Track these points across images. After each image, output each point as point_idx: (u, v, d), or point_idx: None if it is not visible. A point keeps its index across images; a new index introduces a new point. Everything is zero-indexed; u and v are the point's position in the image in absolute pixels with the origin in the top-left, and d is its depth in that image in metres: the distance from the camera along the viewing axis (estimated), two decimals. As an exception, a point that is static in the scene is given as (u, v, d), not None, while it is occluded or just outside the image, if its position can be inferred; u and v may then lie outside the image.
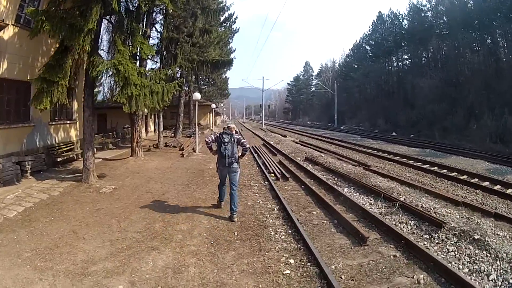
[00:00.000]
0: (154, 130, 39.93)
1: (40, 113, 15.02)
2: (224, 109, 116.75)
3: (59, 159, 16.24)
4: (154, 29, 22.42)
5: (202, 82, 50.15)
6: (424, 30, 55.63)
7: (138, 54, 16.96)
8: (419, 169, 17.25)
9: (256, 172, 16.18)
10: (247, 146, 9.33)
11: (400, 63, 68.45)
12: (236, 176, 9.04)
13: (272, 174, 15.14)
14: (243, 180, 13.89)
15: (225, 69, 36.87)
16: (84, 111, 13.61)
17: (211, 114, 52.42)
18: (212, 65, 25.15)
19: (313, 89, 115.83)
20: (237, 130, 11.69)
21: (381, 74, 71.28)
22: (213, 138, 9.00)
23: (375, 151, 24.45)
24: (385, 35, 70.33)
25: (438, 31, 54.82)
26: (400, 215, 9.11)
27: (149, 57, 20.28)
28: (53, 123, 17.29)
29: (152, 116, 39.12)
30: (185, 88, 34.58)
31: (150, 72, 13.67)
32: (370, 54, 77.70)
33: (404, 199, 10.06)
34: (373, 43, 76.29)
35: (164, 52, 22.12)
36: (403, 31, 65.24)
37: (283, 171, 15.58)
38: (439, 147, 27.55)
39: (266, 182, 13.67)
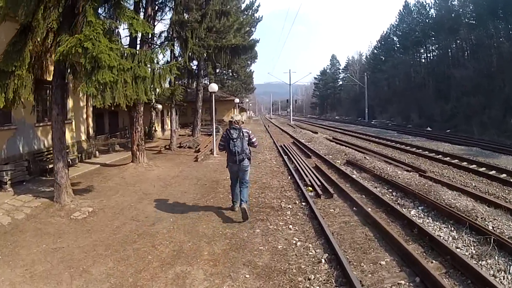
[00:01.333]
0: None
1: (23, 113, 12.20)
2: (250, 104, 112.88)
3: (49, 166, 13.11)
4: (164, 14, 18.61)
5: (225, 77, 46.37)
6: (452, 19, 52.15)
7: (136, 36, 13.16)
8: (481, 174, 13.46)
9: (288, 184, 11.96)
10: (256, 144, 8.59)
11: (429, 54, 64.15)
12: (246, 175, 8.38)
13: (310, 188, 10.98)
14: (271, 199, 9.96)
15: (247, 55, 32.51)
16: (52, 109, 9.89)
17: (235, 109, 48.21)
18: (231, 51, 21.34)
19: (340, 83, 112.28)
20: (242, 120, 9.56)
21: (410, 66, 67.04)
22: (222, 139, 8.44)
23: (421, 150, 20.28)
24: (412, 26, 65.96)
25: (465, 20, 50.85)
26: (497, 257, 5.83)
27: (155, 42, 16.53)
28: (41, 124, 14.15)
29: (171, 112, 35.44)
30: (205, 82, 30.70)
31: (137, 52, 9.53)
32: (398, 45, 72.93)
33: (494, 228, 6.95)
34: (400, 33, 71.57)
35: (175, 39, 18.15)
36: (430, 21, 60.86)
37: (323, 182, 11.41)
38: (484, 145, 23.55)
39: (303, 202, 9.57)
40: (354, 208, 8.92)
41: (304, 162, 15.57)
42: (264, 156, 18.32)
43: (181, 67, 28.05)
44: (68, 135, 15.77)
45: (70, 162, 14.62)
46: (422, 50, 65.27)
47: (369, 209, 8.49)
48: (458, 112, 42.60)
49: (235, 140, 7.92)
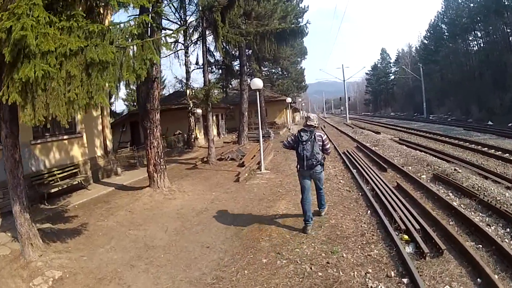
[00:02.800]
0: (218, 133, 32.49)
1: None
2: (303, 104, 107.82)
3: (52, 190, 10.71)
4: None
5: (275, 76, 42.06)
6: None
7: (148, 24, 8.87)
8: None
9: (369, 226, 7.09)
10: (330, 151, 7.61)
11: (480, 40, 55.98)
12: (321, 182, 7.45)
13: (406, 236, 6.26)
14: (348, 268, 5.29)
15: (296, 41, 27.72)
16: (0, 129, 6.26)
17: (287, 110, 43.72)
18: (276, 37, 16.93)
19: (392, 77, 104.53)
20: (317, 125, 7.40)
21: (462, 55, 59.52)
22: (292, 138, 7.28)
23: (508, 155, 15.21)
24: (459, 11, 58.31)
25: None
26: None
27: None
28: (39, 141, 11.31)
29: (215, 117, 31.58)
30: (248, 80, 26.55)
31: (108, 28, 5.25)
32: (447, 33, 65.12)
33: None
34: (448, 21, 63.63)
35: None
36: (475, 4, 53.23)
37: (421, 221, 6.72)
38: None
39: (400, 269, 5.16)
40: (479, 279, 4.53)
41: (381, 179, 10.99)
42: (328, 170, 13.41)
43: (219, 64, 24.54)
44: (77, 152, 12.82)
45: (81, 183, 11.95)
46: (471, 38, 58.10)
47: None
48: None
49: (304, 143, 6.96)
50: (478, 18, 52.05)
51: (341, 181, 11.61)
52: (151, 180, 11.06)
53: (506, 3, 44.53)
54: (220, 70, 24.25)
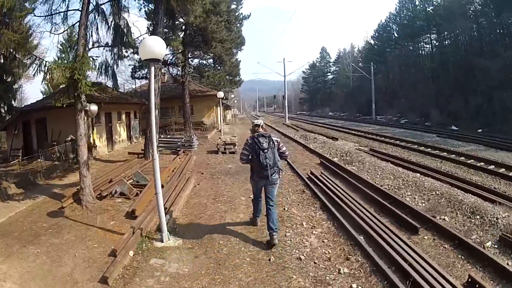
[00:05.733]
0: (129, 138, 24.89)
1: None
2: (235, 101, 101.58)
3: None
4: None
5: (206, 68, 34.83)
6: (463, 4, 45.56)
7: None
8: None
9: None
10: (287, 153, 7.13)
11: (437, 42, 55.67)
12: (275, 190, 6.76)
13: None
14: None
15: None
16: None
17: (217, 108, 36.26)
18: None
19: (331, 76, 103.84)
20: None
21: (415, 56, 59.62)
22: (248, 148, 6.61)
23: None
24: (415, 12, 58.95)
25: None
26: None
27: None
28: None
29: (124, 116, 23.99)
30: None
31: None
32: (397, 35, 65.82)
33: None
34: (401, 22, 63.83)
35: None
36: (434, 7, 53.98)
37: None
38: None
39: None
40: None
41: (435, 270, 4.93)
42: (302, 232, 7.23)
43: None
44: None
45: None
46: (426, 40, 58.03)
47: None
48: (488, 108, 35.00)
49: (266, 151, 6.40)
50: (439, 21, 51.37)
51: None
52: None
53: (471, 8, 44.50)
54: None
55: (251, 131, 7.25)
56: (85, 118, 17.30)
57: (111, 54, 13.33)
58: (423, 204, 8.73)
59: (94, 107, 16.54)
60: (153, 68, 6.85)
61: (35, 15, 11.00)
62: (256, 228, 7.18)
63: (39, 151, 16.35)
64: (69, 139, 17.86)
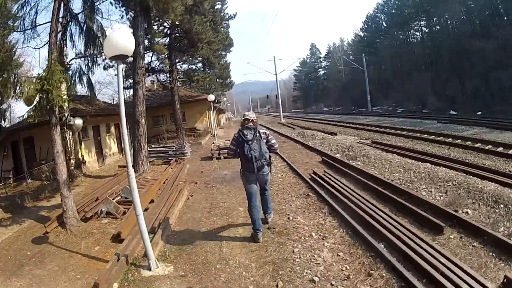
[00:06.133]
0: (121, 150, 23.60)
1: None
2: (228, 104, 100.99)
3: None
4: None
5: (194, 67, 33.88)
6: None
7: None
8: None
9: None
10: (277, 146, 6.79)
11: (428, 29, 54.97)
12: (267, 183, 6.75)
13: None
14: None
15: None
16: None
17: (210, 112, 35.12)
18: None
19: (322, 71, 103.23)
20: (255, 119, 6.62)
21: (406, 45, 59.48)
22: (234, 142, 6.56)
23: None
24: (402, 2, 58.32)
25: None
26: None
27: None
28: None
29: (114, 128, 23.11)
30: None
31: None
32: (386, 24, 65.22)
33: None
34: (389, 11, 63.50)
35: None
36: None
37: None
38: None
39: None
40: None
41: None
42: (318, 248, 6.11)
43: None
44: None
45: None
46: (416, 28, 57.61)
47: None
48: (485, 90, 34.80)
49: (250, 143, 6.24)
50: (427, 7, 50.88)
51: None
52: None
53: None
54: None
55: (240, 125, 6.93)
56: (71, 133, 16.66)
57: (85, 60, 12.41)
58: (442, 198, 7.83)
59: (78, 121, 15.73)
60: (121, 67, 5.81)
61: (15, 31, 10.32)
62: (259, 245, 6.21)
63: (25, 172, 15.54)
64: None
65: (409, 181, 9.38)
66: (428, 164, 10.74)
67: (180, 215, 8.56)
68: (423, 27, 55.93)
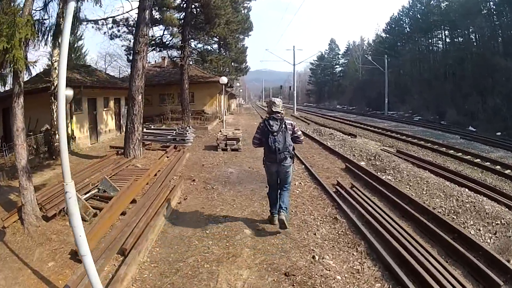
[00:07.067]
0: (119, 127, 21.87)
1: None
2: (240, 90, 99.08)
3: None
4: None
5: (209, 48, 31.95)
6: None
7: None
8: None
9: None
10: (302, 138, 6.45)
11: (455, 39, 52.79)
12: (289, 177, 6.32)
13: None
14: None
15: None
16: None
17: (221, 96, 33.58)
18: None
19: (339, 68, 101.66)
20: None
21: (428, 52, 58.11)
22: (259, 131, 6.25)
23: None
24: (428, 8, 56.86)
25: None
26: None
27: None
28: None
29: (113, 102, 21.16)
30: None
31: None
32: (410, 28, 63.57)
33: None
34: (414, 16, 62.09)
35: None
36: (452, 3, 51.19)
37: None
38: None
39: None
40: None
41: None
42: None
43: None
44: None
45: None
46: (439, 36, 56.58)
47: None
48: (507, 111, 32.61)
49: (275, 134, 6.00)
50: (453, 18, 49.54)
51: None
52: None
53: (487, 6, 43.31)
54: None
55: (267, 112, 6.62)
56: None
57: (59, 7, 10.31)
58: (491, 240, 6.22)
59: (68, 92, 13.70)
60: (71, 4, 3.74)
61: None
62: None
63: (3, 145, 13.57)
64: (44, 129, 15.27)
65: (453, 211, 7.56)
66: (467, 190, 9.03)
67: (165, 229, 6.43)
68: (446, 37, 54.54)
